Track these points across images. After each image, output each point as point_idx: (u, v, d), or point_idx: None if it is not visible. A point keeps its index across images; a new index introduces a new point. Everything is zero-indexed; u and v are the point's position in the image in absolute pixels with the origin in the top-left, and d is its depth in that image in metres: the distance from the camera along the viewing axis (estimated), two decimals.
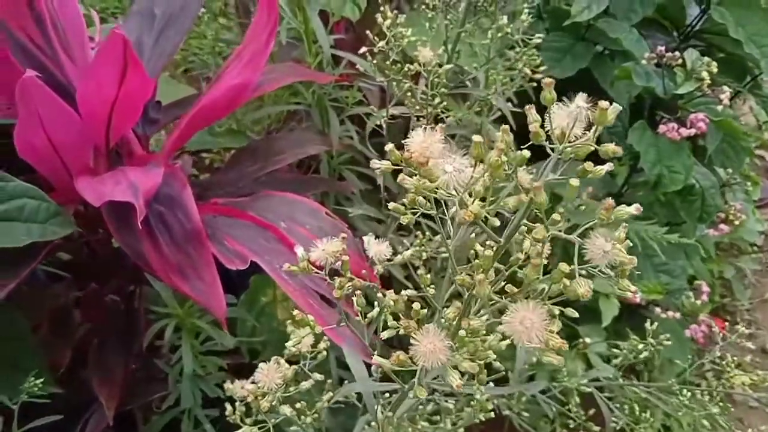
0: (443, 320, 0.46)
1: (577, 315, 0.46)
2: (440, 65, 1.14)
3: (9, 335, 1.13)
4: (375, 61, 1.25)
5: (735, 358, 1.32)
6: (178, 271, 0.98)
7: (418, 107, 1.14)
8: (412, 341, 0.43)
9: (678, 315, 1.68)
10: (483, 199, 0.44)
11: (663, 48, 1.62)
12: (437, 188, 0.46)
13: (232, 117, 1.62)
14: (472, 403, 0.70)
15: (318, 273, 0.58)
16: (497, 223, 0.47)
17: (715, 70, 1.55)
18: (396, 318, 0.51)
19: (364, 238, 0.69)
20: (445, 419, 0.93)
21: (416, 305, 0.47)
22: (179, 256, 0.98)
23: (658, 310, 1.78)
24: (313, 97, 1.50)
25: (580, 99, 0.39)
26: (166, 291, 1.22)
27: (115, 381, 1.23)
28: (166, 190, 1.02)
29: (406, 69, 1.17)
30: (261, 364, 0.67)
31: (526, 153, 0.43)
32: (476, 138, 0.43)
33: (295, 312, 0.60)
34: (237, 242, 1.11)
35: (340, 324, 0.60)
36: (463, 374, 0.50)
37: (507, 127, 0.43)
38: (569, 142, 0.40)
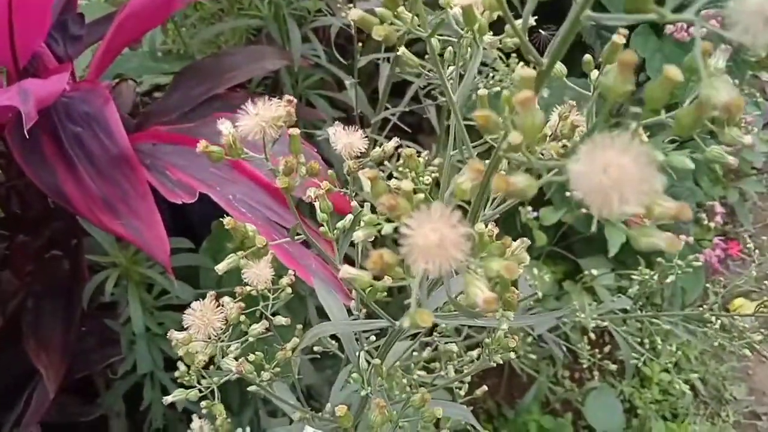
0: (458, 183, 0.27)
1: (690, 163, 0.27)
2: None
3: None
4: None
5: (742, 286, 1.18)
6: (104, 206, 0.78)
7: None
8: (403, 231, 0.25)
9: (691, 239, 1.52)
10: None
11: None
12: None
13: (178, 40, 1.40)
14: (486, 341, 0.52)
15: (253, 156, 0.40)
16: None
17: None
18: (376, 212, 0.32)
19: (329, 129, 0.50)
20: (446, 366, 0.76)
21: (406, 183, 0.28)
22: (105, 187, 0.79)
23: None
24: (270, 9, 1.28)
25: None
26: (106, 237, 1.02)
27: (55, 347, 1.05)
28: (83, 108, 0.82)
29: None
30: (193, 303, 0.49)
31: None
32: None
33: (227, 220, 0.41)
34: (182, 172, 0.91)
35: (295, 235, 0.41)
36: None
37: None
38: None
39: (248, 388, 0.57)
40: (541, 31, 0.27)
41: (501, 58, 0.95)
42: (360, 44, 1.12)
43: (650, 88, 0.24)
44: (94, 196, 0.78)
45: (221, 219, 1.46)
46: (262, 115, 0.37)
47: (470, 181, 0.27)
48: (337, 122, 0.50)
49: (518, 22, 0.30)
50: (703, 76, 0.22)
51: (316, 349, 0.77)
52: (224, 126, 0.40)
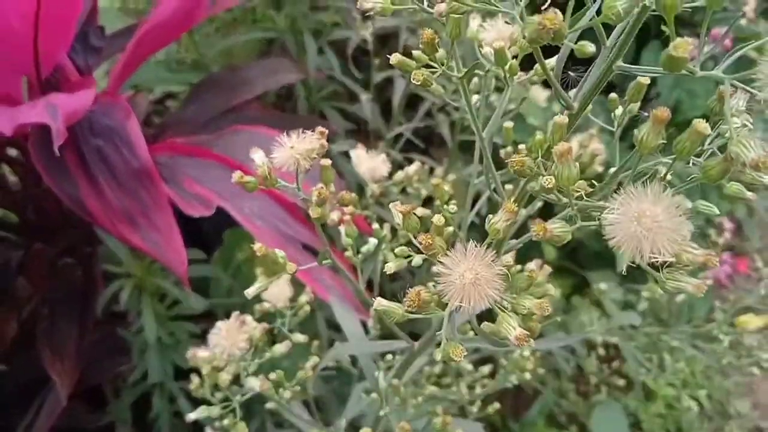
0: (492, 222, 0.28)
1: (715, 209, 0.28)
2: None
3: None
4: None
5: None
6: (124, 218, 0.80)
7: None
8: (440, 269, 0.26)
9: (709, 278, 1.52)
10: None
11: None
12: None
13: (195, 51, 1.42)
14: (502, 361, 0.53)
15: (286, 185, 0.41)
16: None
17: None
18: (408, 244, 0.33)
19: (351, 152, 0.51)
20: (459, 383, 0.77)
21: (438, 218, 0.29)
22: (125, 200, 0.80)
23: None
24: (286, 22, 1.29)
25: None
26: (121, 247, 1.03)
27: (69, 355, 1.06)
28: (105, 122, 0.83)
29: None
30: (218, 323, 0.50)
31: None
32: None
33: (257, 246, 0.42)
34: (199, 185, 0.93)
35: (324, 259, 0.42)
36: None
37: None
38: None
39: (266, 405, 0.58)
40: (570, 72, 0.29)
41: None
42: (376, 60, 1.13)
43: (679, 140, 0.25)
44: (115, 208, 0.79)
45: (232, 229, 1.45)
46: (297, 148, 0.38)
47: (504, 222, 0.28)
48: (358, 144, 0.51)
49: (549, 63, 0.31)
50: (733, 134, 0.23)
51: (330, 364, 0.78)
52: (258, 156, 0.41)
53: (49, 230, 1.18)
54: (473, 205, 0.51)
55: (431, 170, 0.91)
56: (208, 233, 1.36)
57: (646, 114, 0.31)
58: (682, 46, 0.23)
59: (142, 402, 1.27)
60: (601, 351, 1.26)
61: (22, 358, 1.14)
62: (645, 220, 0.22)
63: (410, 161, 0.82)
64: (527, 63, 0.39)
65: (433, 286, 0.27)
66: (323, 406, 1.33)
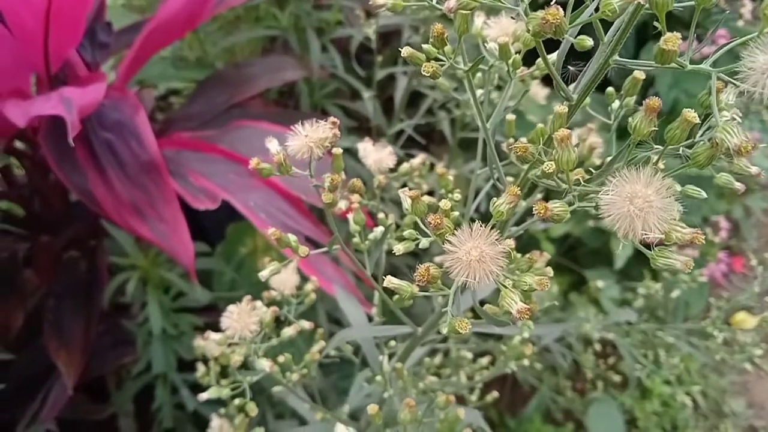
0: (496, 204, 0.30)
1: (703, 193, 0.30)
2: None
3: None
4: None
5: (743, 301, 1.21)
6: (133, 210, 0.82)
7: None
8: (447, 247, 0.28)
9: (696, 254, 1.54)
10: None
11: None
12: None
13: (200, 48, 1.43)
14: (503, 347, 0.55)
15: (298, 173, 0.43)
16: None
17: None
18: (416, 227, 0.35)
19: (359, 144, 0.53)
20: (458, 372, 0.79)
21: (444, 202, 0.31)
22: (134, 191, 0.82)
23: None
24: (289, 20, 1.31)
25: None
26: (127, 238, 1.05)
27: (75, 345, 1.08)
28: (115, 116, 0.85)
29: None
30: (230, 307, 0.52)
31: None
32: None
33: (271, 231, 0.44)
34: (204, 178, 0.95)
35: (333, 246, 0.44)
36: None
37: None
38: None
39: (273, 389, 0.59)
40: (569, 67, 0.30)
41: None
42: (379, 57, 1.15)
43: (671, 128, 0.27)
44: (123, 200, 0.81)
45: (235, 224, 1.47)
46: (311, 137, 0.40)
47: (507, 204, 0.30)
48: (366, 138, 0.53)
49: (551, 57, 0.33)
50: (718, 122, 0.25)
51: (333, 353, 0.80)
52: (272, 145, 0.43)
53: (54, 223, 1.19)
54: (474, 200, 0.52)
55: (431, 166, 0.93)
56: (210, 228, 1.38)
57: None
58: (672, 39, 0.26)
59: (145, 393, 1.29)
60: (598, 347, 1.28)
61: (28, 349, 1.16)
62: (637, 201, 0.24)
63: (412, 158, 0.84)
64: (529, 60, 0.41)
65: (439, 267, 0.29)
66: (324, 399, 1.35)
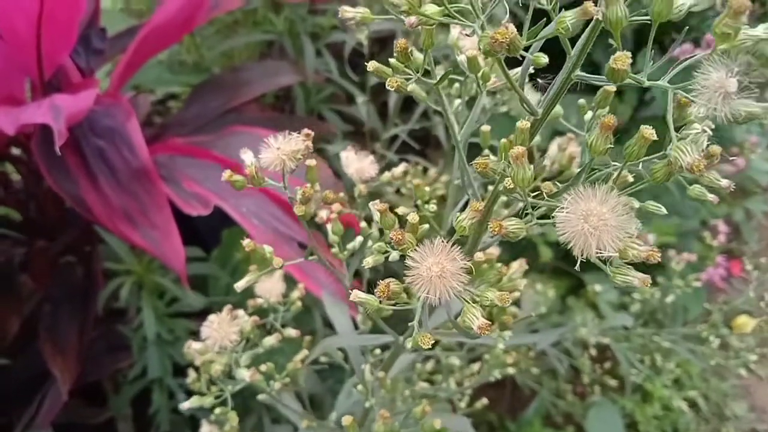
0: (458, 219, 0.30)
1: (663, 209, 0.30)
2: None
3: None
4: None
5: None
6: (124, 217, 0.82)
7: None
8: (409, 263, 0.28)
9: (694, 257, 1.54)
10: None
11: None
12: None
13: (196, 52, 1.44)
14: (485, 357, 0.55)
15: (274, 184, 0.43)
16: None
17: None
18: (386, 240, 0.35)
19: (341, 153, 0.53)
20: (448, 378, 0.79)
21: (412, 216, 0.31)
22: (125, 198, 0.82)
23: (671, 253, 1.63)
24: (285, 25, 1.32)
25: None
26: (121, 244, 1.06)
27: (70, 351, 1.08)
28: (107, 122, 0.85)
29: None
30: (210, 316, 0.52)
31: None
32: None
33: (246, 242, 0.44)
34: (197, 184, 0.95)
35: (310, 254, 0.44)
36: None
37: None
38: None
39: (258, 397, 0.60)
40: (539, 80, 0.30)
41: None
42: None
43: (629, 145, 0.27)
44: (114, 206, 0.82)
45: (230, 229, 1.48)
46: (283, 149, 0.40)
47: (469, 219, 0.30)
48: (349, 145, 0.53)
49: (517, 71, 0.33)
50: (673, 139, 0.25)
51: (323, 359, 0.80)
52: (247, 156, 0.43)
53: (50, 228, 1.20)
54: (457, 206, 0.52)
55: (425, 170, 0.93)
56: (205, 233, 1.38)
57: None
58: (621, 59, 0.26)
59: (142, 398, 1.29)
60: (594, 352, 1.28)
61: (24, 354, 1.16)
62: (592, 219, 0.24)
63: (406, 162, 0.84)
64: (512, 65, 0.41)
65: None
66: (319, 404, 1.35)
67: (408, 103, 1.29)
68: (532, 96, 1.02)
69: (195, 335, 1.22)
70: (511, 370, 0.55)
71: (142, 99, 1.24)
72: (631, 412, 2.04)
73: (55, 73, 1.00)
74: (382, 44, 1.36)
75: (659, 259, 0.27)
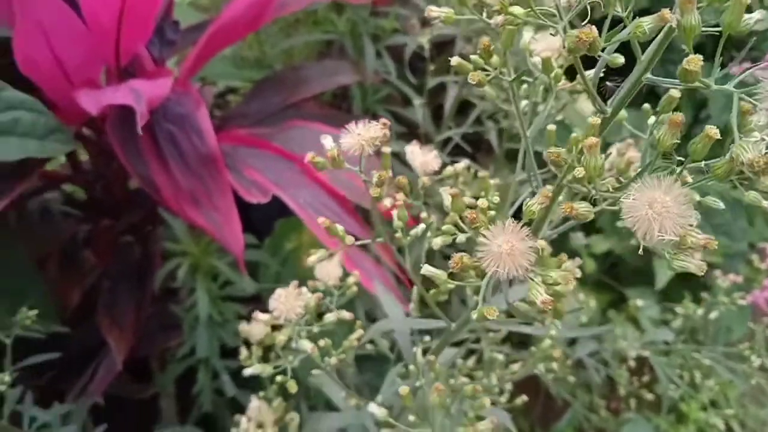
0: (528, 204, 0.33)
1: (721, 203, 0.33)
2: None
3: (10, 267, 1.04)
4: None
5: None
6: (190, 199, 0.87)
7: None
8: (481, 240, 0.31)
9: (740, 279, 1.53)
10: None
11: None
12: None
13: (259, 49, 1.49)
14: (532, 349, 0.57)
15: (350, 168, 0.46)
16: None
17: None
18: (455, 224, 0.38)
19: (406, 147, 0.56)
20: (490, 374, 0.81)
21: (482, 201, 0.34)
22: (192, 181, 0.87)
23: (717, 273, 1.62)
24: (346, 25, 1.36)
25: None
26: (180, 226, 1.11)
27: (126, 324, 1.14)
28: (178, 109, 0.90)
29: None
30: (278, 290, 0.55)
31: None
32: None
33: (321, 220, 0.48)
34: (258, 173, 0.99)
35: (378, 237, 0.48)
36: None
37: None
38: None
39: (312, 371, 0.63)
40: (607, 83, 0.32)
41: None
42: (432, 66, 1.18)
43: (693, 143, 0.30)
44: (182, 188, 0.86)
45: (284, 219, 1.52)
46: (363, 135, 0.44)
47: (539, 205, 0.33)
48: (414, 141, 0.56)
49: (589, 73, 0.36)
50: (736, 139, 0.27)
51: (368, 347, 0.83)
52: (327, 141, 0.47)
53: (114, 208, 1.26)
54: (512, 206, 0.55)
55: (476, 174, 0.96)
56: (259, 222, 1.43)
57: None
58: (694, 61, 0.28)
59: (187, 377, 1.34)
60: (633, 365, 1.28)
61: (83, 325, 1.22)
62: (656, 205, 0.27)
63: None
64: (574, 74, 0.43)
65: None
66: (358, 394, 1.38)
67: (463, 107, 1.31)
68: (587, 105, 1.04)
69: (243, 319, 1.26)
70: (554, 365, 0.57)
71: (206, 91, 1.29)
72: (665, 431, 2.02)
73: (131, 61, 1.06)
74: (439, 49, 1.39)
75: (715, 246, 0.29)
